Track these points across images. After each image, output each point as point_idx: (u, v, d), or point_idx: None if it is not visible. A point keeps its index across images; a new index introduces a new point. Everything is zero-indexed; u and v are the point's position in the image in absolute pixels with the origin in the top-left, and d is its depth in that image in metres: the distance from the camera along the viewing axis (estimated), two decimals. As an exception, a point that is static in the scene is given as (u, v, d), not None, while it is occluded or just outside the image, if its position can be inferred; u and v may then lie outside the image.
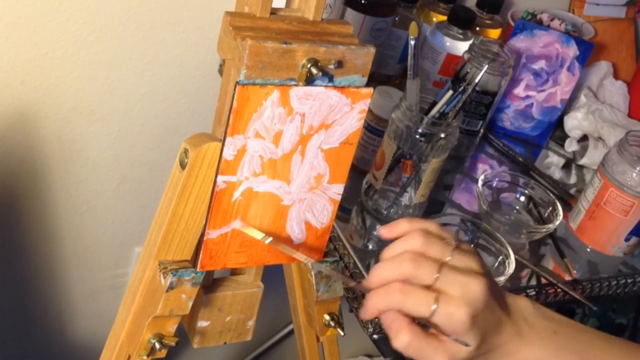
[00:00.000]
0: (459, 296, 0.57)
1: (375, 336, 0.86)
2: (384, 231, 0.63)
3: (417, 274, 0.58)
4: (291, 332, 1.63)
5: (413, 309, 0.57)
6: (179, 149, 0.62)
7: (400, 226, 0.62)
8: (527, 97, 1.20)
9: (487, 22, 1.22)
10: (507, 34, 1.24)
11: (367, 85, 0.63)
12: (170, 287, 0.65)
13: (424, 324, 0.59)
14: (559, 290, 0.94)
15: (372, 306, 0.59)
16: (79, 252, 1.28)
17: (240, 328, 0.78)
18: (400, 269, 0.58)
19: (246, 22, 0.59)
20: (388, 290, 0.58)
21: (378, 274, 0.60)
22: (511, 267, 0.88)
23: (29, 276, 1.26)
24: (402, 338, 0.57)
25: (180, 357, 1.58)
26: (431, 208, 0.99)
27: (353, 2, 1.08)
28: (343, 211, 0.96)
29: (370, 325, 0.83)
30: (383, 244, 0.94)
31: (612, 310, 1.74)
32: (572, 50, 1.17)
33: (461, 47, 1.11)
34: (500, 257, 0.91)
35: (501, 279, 0.87)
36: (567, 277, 0.96)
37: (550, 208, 1.01)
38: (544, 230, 0.97)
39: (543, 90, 1.19)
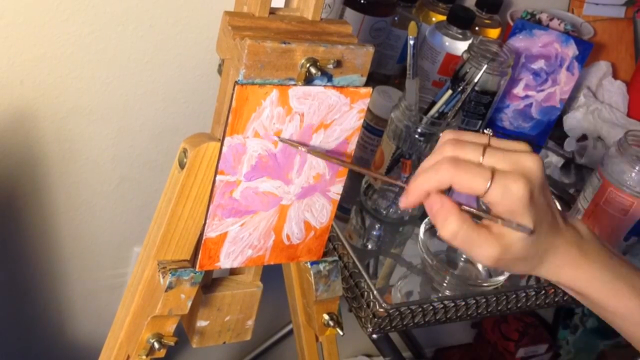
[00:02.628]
0: (513, 170, 0.52)
1: (374, 336, 0.86)
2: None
3: (462, 154, 0.53)
4: (290, 331, 1.63)
5: (467, 183, 0.52)
6: (178, 149, 0.62)
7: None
8: (527, 96, 1.20)
9: (487, 21, 1.22)
10: (506, 33, 1.24)
11: (366, 85, 0.63)
12: (169, 287, 0.65)
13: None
14: (558, 290, 0.94)
15: (418, 186, 0.54)
16: (78, 251, 1.28)
17: (239, 328, 0.78)
18: (444, 152, 0.53)
19: (245, 21, 0.59)
20: (438, 167, 0.53)
21: (422, 166, 0.55)
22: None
23: (28, 276, 1.26)
24: (450, 225, 0.53)
25: (179, 356, 1.58)
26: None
27: (352, 1, 1.08)
28: (342, 211, 0.96)
29: (369, 325, 0.83)
30: (382, 244, 0.94)
31: (612, 310, 1.74)
32: (572, 50, 1.17)
33: (460, 46, 1.11)
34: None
35: (500, 279, 0.87)
36: (567, 277, 0.96)
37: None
38: (543, 229, 0.97)
39: (542, 90, 1.19)
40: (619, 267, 0.59)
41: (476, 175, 0.52)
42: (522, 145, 0.55)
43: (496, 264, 0.55)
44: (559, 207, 0.58)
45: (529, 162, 0.53)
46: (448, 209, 0.53)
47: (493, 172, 0.52)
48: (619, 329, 0.63)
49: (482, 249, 0.54)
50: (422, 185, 0.54)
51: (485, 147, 0.54)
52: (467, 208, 0.54)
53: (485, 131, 0.56)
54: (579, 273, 0.58)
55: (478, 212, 0.54)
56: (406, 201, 0.55)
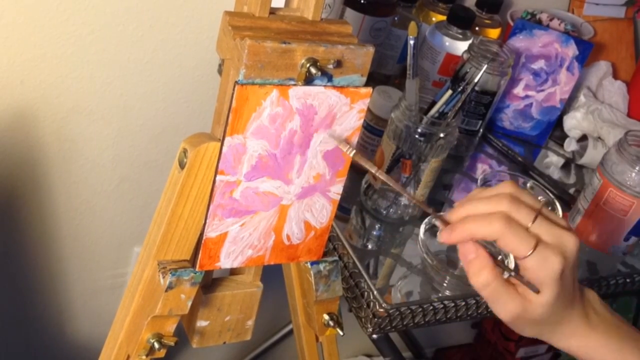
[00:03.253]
0: (555, 244, 0.56)
1: (374, 336, 0.86)
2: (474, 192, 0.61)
3: (515, 215, 0.56)
4: (290, 331, 1.63)
5: (512, 244, 0.55)
6: (178, 149, 0.62)
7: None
8: (527, 96, 1.20)
9: (487, 21, 1.22)
10: (506, 33, 1.24)
11: (366, 85, 0.63)
12: (170, 287, 0.65)
13: None
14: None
15: (466, 230, 0.56)
16: (78, 251, 1.28)
17: (239, 328, 0.78)
18: (500, 206, 0.56)
19: (245, 21, 0.59)
20: (491, 219, 0.55)
21: (472, 207, 0.57)
22: (511, 266, 0.88)
23: (29, 276, 1.26)
24: (483, 276, 0.56)
25: (179, 357, 1.58)
26: (430, 208, 0.99)
27: (352, 1, 1.08)
28: (342, 211, 0.96)
29: (369, 325, 0.83)
30: (382, 244, 0.94)
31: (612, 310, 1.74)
32: (572, 50, 1.17)
33: (460, 46, 1.11)
34: (500, 257, 0.91)
35: (500, 279, 0.87)
36: (567, 277, 0.96)
37: (550, 208, 1.01)
38: (543, 230, 0.97)
39: (542, 90, 1.19)
40: (626, 333, 0.64)
41: (523, 240, 0.55)
42: (565, 222, 0.59)
43: (512, 321, 0.59)
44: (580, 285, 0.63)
45: (570, 241, 0.57)
46: (483, 261, 0.57)
47: (537, 241, 0.56)
48: None
49: (505, 305, 0.58)
50: (471, 231, 0.57)
51: (537, 215, 0.57)
52: (500, 263, 0.58)
53: (541, 198, 0.59)
54: (587, 342, 0.63)
55: (509, 271, 0.58)
56: (449, 238, 0.58)
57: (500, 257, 0.59)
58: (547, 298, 0.57)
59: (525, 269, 0.57)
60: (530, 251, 0.55)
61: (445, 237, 0.58)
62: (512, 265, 0.60)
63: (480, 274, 0.57)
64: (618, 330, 0.63)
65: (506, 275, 0.58)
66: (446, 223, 0.59)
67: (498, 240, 0.56)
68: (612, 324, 0.63)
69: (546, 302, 0.57)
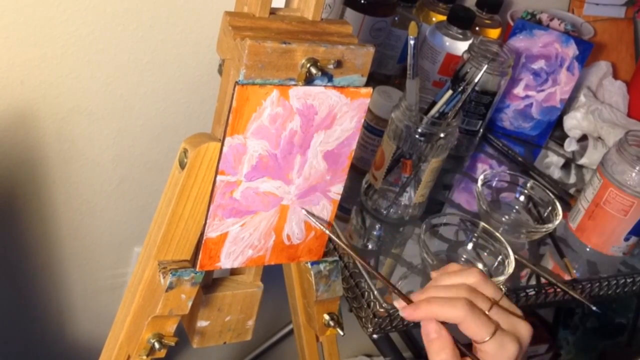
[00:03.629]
0: (511, 332, 0.61)
1: (374, 336, 0.86)
2: (435, 274, 0.66)
3: (475, 301, 0.60)
4: (291, 332, 1.63)
5: (474, 328, 0.59)
6: (178, 149, 0.62)
7: (451, 266, 0.66)
8: (527, 96, 1.20)
9: (487, 22, 1.22)
10: (506, 33, 1.24)
11: (367, 85, 0.63)
12: (170, 287, 0.65)
13: None
14: (558, 290, 0.94)
15: (430, 310, 0.61)
16: (79, 252, 1.28)
17: (239, 328, 0.78)
18: (460, 294, 0.61)
19: (245, 22, 0.59)
20: (455, 302, 0.60)
21: (435, 292, 0.62)
22: (511, 267, 0.88)
23: (29, 276, 1.26)
24: (443, 357, 0.60)
25: (179, 357, 1.58)
26: (431, 208, 0.99)
27: (352, 1, 1.08)
28: (343, 211, 0.96)
29: (369, 325, 0.83)
30: (383, 244, 0.94)
31: (612, 310, 1.74)
32: (572, 50, 1.17)
33: (461, 47, 1.11)
34: (500, 257, 0.91)
35: (501, 279, 0.87)
36: (567, 277, 0.96)
37: (550, 208, 1.01)
38: (544, 230, 0.97)
39: (542, 90, 1.19)
40: None
41: (484, 325, 0.59)
42: (519, 311, 0.64)
43: None
44: None
45: (524, 329, 0.62)
46: (445, 342, 0.61)
47: (497, 327, 0.60)
48: None
49: None
50: (435, 312, 0.61)
51: (494, 304, 0.61)
52: (460, 346, 0.62)
53: (502, 287, 0.64)
54: None
55: (469, 354, 0.62)
56: (412, 315, 0.62)
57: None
58: None
59: (483, 352, 0.60)
60: (489, 336, 0.59)
61: (409, 313, 0.62)
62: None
63: (440, 355, 0.60)
64: None
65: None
66: (408, 301, 0.63)
67: (460, 323, 0.59)
68: None
69: None
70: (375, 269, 0.74)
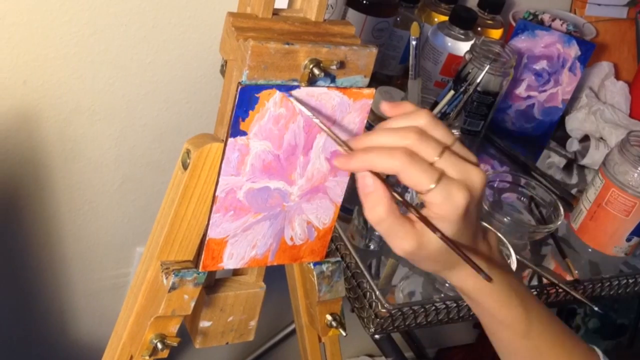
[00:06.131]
0: (460, 179, 0.54)
1: (376, 336, 0.86)
2: (386, 106, 0.58)
3: (421, 149, 0.54)
4: (293, 332, 1.63)
5: (414, 178, 0.53)
6: (181, 150, 0.62)
7: (405, 106, 0.58)
8: (529, 97, 1.20)
9: (489, 22, 1.22)
10: (508, 34, 1.24)
11: (369, 85, 0.63)
12: (173, 288, 0.65)
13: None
14: (560, 290, 0.94)
15: (366, 160, 0.54)
16: (81, 252, 1.28)
17: (242, 328, 0.78)
18: (406, 139, 0.54)
19: (248, 22, 0.59)
20: (393, 151, 0.53)
21: (377, 138, 0.55)
22: (513, 267, 0.88)
23: (31, 276, 1.27)
24: (378, 211, 0.54)
25: (182, 357, 1.58)
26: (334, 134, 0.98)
27: (355, 2, 1.08)
28: (345, 211, 0.96)
29: (371, 325, 0.83)
30: (384, 244, 0.94)
31: (614, 310, 1.74)
32: (574, 51, 1.17)
33: (463, 47, 1.11)
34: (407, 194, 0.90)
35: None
36: (569, 277, 0.96)
37: (552, 208, 1.01)
38: (546, 230, 0.97)
39: (544, 91, 1.19)
40: (514, 281, 0.63)
41: (424, 173, 0.53)
42: (474, 158, 0.56)
43: (409, 257, 0.57)
44: (483, 224, 0.61)
45: (476, 176, 0.55)
46: (380, 195, 0.54)
47: (441, 175, 0.53)
48: (499, 339, 0.66)
49: (400, 241, 0.55)
50: (372, 162, 0.54)
51: (445, 149, 0.54)
52: (397, 197, 0.54)
53: (455, 132, 0.55)
54: (482, 284, 0.60)
55: (408, 206, 0.54)
56: (346, 164, 0.55)
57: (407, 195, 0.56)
58: (447, 234, 0.54)
59: (429, 204, 0.54)
60: (432, 185, 0.52)
61: (342, 162, 0.55)
62: (415, 202, 0.56)
63: (375, 210, 0.54)
64: (508, 275, 0.63)
65: (404, 211, 0.55)
66: (350, 150, 0.56)
67: (399, 174, 0.53)
68: (505, 267, 0.63)
69: (437, 240, 0.55)
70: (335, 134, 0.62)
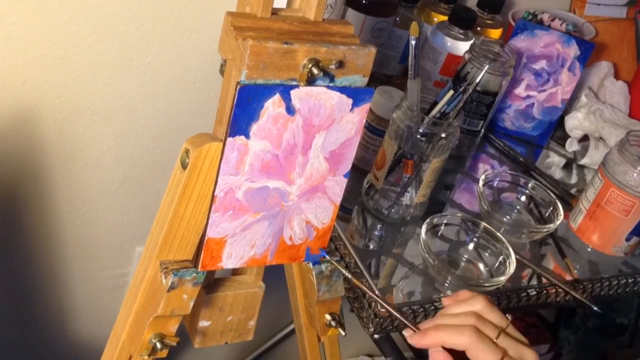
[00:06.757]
0: (517, 359, 0.62)
1: (376, 336, 0.86)
2: (446, 300, 0.68)
3: (483, 329, 0.62)
4: (292, 332, 1.63)
5: (481, 354, 0.61)
6: (180, 149, 0.62)
7: (462, 294, 0.67)
8: (528, 97, 1.20)
9: (488, 22, 1.22)
10: (507, 34, 1.24)
11: (368, 85, 0.63)
12: (172, 287, 0.65)
13: None
14: (559, 290, 0.94)
15: (439, 337, 0.62)
16: (80, 251, 1.28)
17: (241, 328, 0.78)
18: (468, 321, 0.62)
19: (247, 22, 0.59)
20: (462, 329, 0.61)
21: (443, 320, 0.64)
22: (512, 267, 0.88)
23: (31, 276, 1.27)
24: None
25: (181, 357, 1.58)
26: (432, 208, 0.99)
27: (354, 2, 1.08)
28: (344, 211, 0.96)
29: (371, 325, 0.83)
30: (384, 244, 0.94)
31: (613, 310, 1.74)
32: (573, 50, 1.17)
33: (462, 47, 1.11)
34: (501, 257, 0.91)
35: (502, 279, 0.87)
36: (568, 277, 0.96)
37: (551, 208, 1.01)
38: (545, 230, 0.97)
39: (544, 90, 1.19)
40: None
41: (491, 352, 0.61)
42: (525, 340, 0.65)
43: None
44: None
45: (531, 357, 0.64)
46: None
47: (504, 354, 0.62)
48: None
49: None
50: (443, 338, 0.62)
51: (501, 331, 0.63)
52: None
53: (508, 316, 0.66)
54: None
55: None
56: (419, 342, 0.64)
57: None
58: None
59: None
60: None
61: (416, 340, 0.64)
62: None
63: None
64: None
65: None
66: (416, 329, 0.65)
67: (468, 349, 0.61)
68: None
69: None
70: (384, 299, 0.77)
